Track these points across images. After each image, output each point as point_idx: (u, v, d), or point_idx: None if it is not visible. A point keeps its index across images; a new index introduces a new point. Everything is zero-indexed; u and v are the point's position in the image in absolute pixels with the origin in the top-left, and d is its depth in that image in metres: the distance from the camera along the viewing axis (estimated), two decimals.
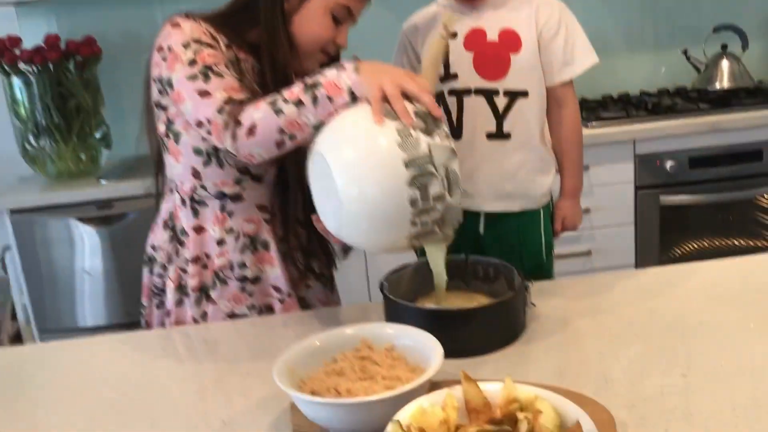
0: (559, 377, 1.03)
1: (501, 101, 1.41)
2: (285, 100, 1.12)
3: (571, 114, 1.48)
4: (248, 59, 1.30)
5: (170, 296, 1.38)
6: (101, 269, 2.53)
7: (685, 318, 1.18)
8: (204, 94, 1.18)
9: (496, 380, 0.85)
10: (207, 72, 1.19)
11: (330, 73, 1.12)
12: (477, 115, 1.42)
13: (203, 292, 1.36)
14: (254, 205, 1.34)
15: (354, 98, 1.10)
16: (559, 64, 1.42)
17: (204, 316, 1.36)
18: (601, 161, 2.53)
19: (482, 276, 1.27)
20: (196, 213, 1.34)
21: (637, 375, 1.01)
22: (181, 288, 1.37)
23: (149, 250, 1.43)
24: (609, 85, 2.97)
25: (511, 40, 1.41)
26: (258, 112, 1.14)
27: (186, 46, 1.22)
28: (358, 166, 1.03)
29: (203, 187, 1.32)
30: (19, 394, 1.14)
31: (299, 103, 1.11)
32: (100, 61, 2.67)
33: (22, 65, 2.53)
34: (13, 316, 2.66)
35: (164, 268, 1.39)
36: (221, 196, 1.32)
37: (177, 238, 1.37)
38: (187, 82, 1.20)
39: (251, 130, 1.14)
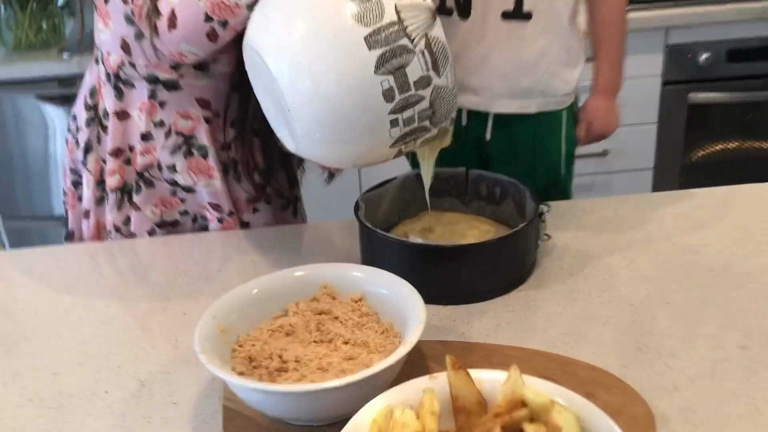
0: (575, 339, 0.79)
1: None
2: None
3: None
4: None
5: (88, 192, 1.12)
6: None
7: (741, 261, 0.93)
8: None
9: (496, 357, 0.61)
10: None
11: None
12: None
13: (124, 193, 1.10)
14: (193, 97, 1.06)
15: None
16: None
17: (127, 222, 1.11)
18: (628, 51, 2.22)
19: (486, 196, 1.02)
20: (120, 94, 1.06)
21: (680, 342, 0.78)
22: (102, 184, 1.11)
23: (71, 126, 1.15)
24: None
25: None
26: None
27: None
28: (302, 54, 0.74)
29: (132, 65, 1.04)
30: None
31: None
32: None
33: None
34: None
35: (84, 154, 1.13)
36: (153, 79, 1.04)
37: (99, 120, 1.10)
38: None
39: (172, 21, 0.87)
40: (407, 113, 0.75)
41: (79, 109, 1.13)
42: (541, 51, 1.16)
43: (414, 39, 0.73)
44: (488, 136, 1.21)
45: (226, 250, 1.05)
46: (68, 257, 1.08)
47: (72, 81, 2.19)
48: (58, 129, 2.25)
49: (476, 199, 1.03)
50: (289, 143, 0.82)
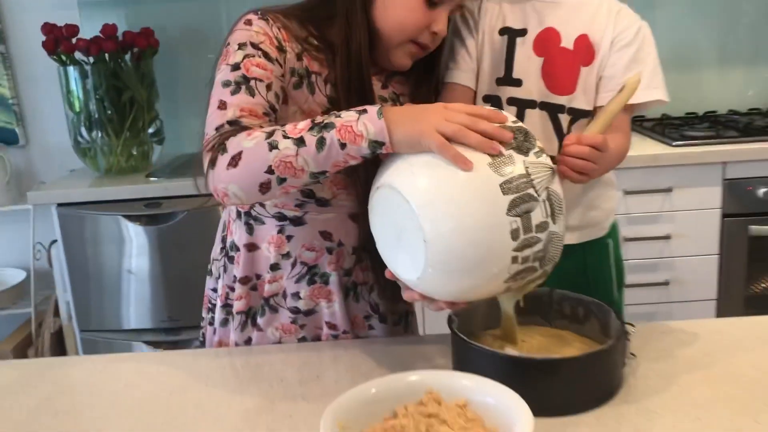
0: None
1: (564, 120, 1.20)
2: (285, 135, 0.94)
3: (621, 145, 1.17)
4: (322, 72, 1.11)
5: (217, 314, 1.24)
6: (147, 269, 2.42)
7: None
8: (222, 105, 1.01)
9: None
10: (241, 83, 1.02)
11: (347, 115, 0.93)
12: (537, 133, 1.08)
13: (249, 316, 1.21)
14: (317, 231, 1.17)
15: (374, 149, 0.92)
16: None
17: (248, 342, 1.21)
18: (686, 184, 2.31)
19: (569, 315, 1.09)
20: (251, 230, 1.18)
21: None
22: (227, 307, 1.22)
23: (211, 259, 1.29)
24: (693, 102, 2.74)
25: (585, 50, 1.18)
26: (249, 141, 0.95)
27: (242, 46, 1.05)
28: (448, 198, 0.87)
29: (261, 204, 1.16)
30: (42, 410, 1.00)
31: (300, 141, 0.92)
32: (156, 54, 2.56)
33: (78, 55, 2.45)
34: (56, 312, 2.58)
35: (217, 281, 1.25)
36: (281, 217, 1.16)
37: (227, 252, 1.22)
38: (220, 87, 1.03)
39: (234, 160, 0.94)
40: (525, 252, 0.88)
41: (216, 242, 1.26)
42: (582, 191, 1.23)
43: (538, 190, 0.87)
44: None
45: (331, 360, 1.12)
46: (181, 361, 1.16)
47: (157, 202, 2.36)
48: (134, 244, 2.39)
49: (560, 318, 1.10)
50: (409, 274, 0.93)
